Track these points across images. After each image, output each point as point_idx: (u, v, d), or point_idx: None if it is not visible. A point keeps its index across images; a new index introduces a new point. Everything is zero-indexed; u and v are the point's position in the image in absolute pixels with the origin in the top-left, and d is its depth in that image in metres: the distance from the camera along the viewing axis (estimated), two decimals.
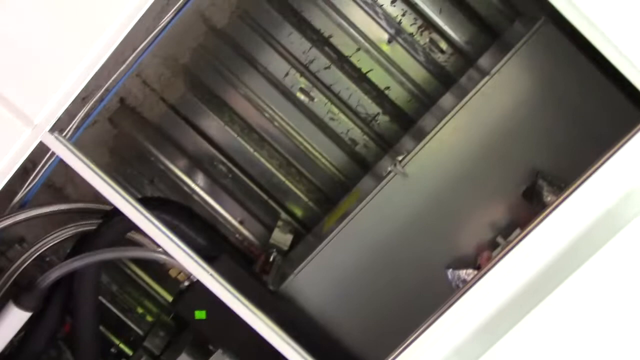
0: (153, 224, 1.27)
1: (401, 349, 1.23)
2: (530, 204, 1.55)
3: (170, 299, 2.21)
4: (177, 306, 1.69)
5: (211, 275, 1.29)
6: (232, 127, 2.14)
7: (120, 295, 2.27)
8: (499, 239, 1.54)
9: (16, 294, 1.60)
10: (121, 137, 2.15)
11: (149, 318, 2.28)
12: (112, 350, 2.21)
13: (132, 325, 2.24)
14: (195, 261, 1.29)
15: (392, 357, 1.23)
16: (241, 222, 2.18)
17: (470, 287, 1.23)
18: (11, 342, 1.77)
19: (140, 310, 2.29)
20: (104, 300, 2.20)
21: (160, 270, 2.23)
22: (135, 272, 2.25)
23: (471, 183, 1.63)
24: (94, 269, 1.65)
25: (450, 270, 1.57)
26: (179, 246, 1.28)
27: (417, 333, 1.23)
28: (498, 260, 1.22)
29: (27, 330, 1.74)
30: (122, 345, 2.21)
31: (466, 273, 1.54)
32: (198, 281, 1.59)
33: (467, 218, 1.63)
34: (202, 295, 1.59)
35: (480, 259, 1.55)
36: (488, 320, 1.22)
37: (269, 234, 2.05)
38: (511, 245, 1.22)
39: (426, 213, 1.64)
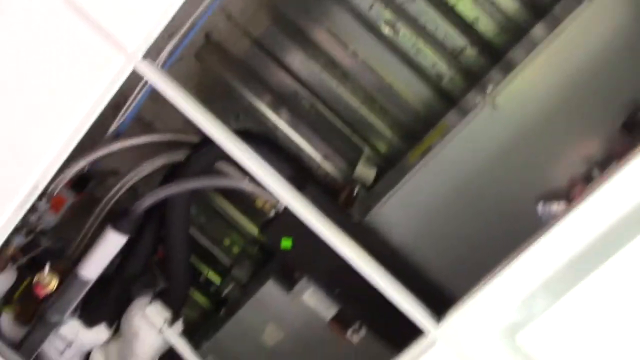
0: (243, 151, 1.29)
1: (488, 279, 1.22)
2: (630, 136, 1.47)
3: (256, 231, 2.28)
4: (263, 235, 1.73)
5: (300, 201, 1.30)
6: (316, 61, 2.12)
7: (208, 226, 2.35)
8: (594, 172, 1.48)
9: (113, 219, 1.68)
10: (206, 73, 2.18)
11: (235, 249, 2.35)
12: (201, 278, 2.30)
13: (220, 256, 2.32)
14: (284, 188, 1.30)
15: (478, 288, 1.22)
16: (325, 157, 2.18)
17: (562, 220, 1.20)
18: (110, 266, 1.88)
19: (227, 241, 2.37)
20: (193, 231, 2.27)
21: (246, 203, 2.29)
22: (222, 205, 2.31)
23: (565, 115, 1.56)
24: (185, 197, 1.71)
25: (541, 203, 1.53)
26: (268, 173, 1.30)
27: (504, 265, 1.21)
28: (592, 193, 1.18)
29: (123, 255, 1.83)
30: (210, 274, 2.30)
31: (558, 206, 1.49)
32: (284, 211, 1.63)
33: (559, 151, 1.57)
34: (288, 224, 1.63)
35: (573, 192, 1.49)
36: (578, 255, 1.19)
37: (352, 170, 2.05)
38: (608, 177, 1.17)
39: (516, 146, 1.59)
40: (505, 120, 1.57)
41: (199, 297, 2.27)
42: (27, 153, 1.25)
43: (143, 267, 1.89)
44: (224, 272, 2.26)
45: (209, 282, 2.31)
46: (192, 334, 1.99)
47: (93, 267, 1.70)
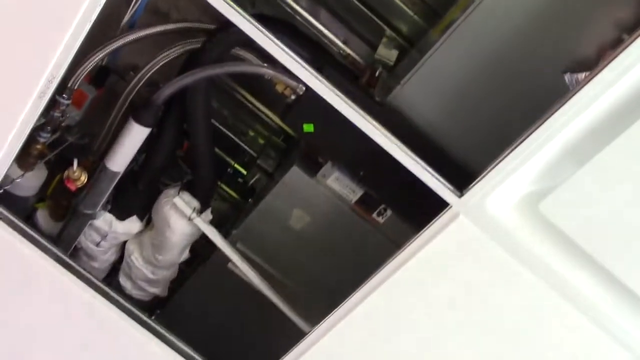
0: (263, 32, 1.25)
1: (510, 149, 1.20)
2: None
3: (279, 121, 2.27)
4: (285, 119, 1.72)
5: (320, 82, 1.28)
6: None
7: (231, 119, 2.35)
8: (624, 37, 1.41)
9: (135, 111, 1.68)
10: None
11: (260, 140, 2.36)
12: (229, 170, 2.32)
13: (245, 147, 2.34)
14: (305, 68, 1.27)
15: (500, 159, 1.20)
16: (345, 42, 2.12)
17: (586, 84, 1.16)
18: (135, 161, 1.90)
19: (251, 133, 2.37)
20: (217, 124, 2.28)
21: (267, 92, 2.27)
22: (244, 96, 2.30)
23: None
24: (204, 86, 1.70)
25: (569, 74, 1.48)
26: (287, 54, 1.26)
27: (526, 133, 1.19)
28: (618, 55, 1.13)
29: (149, 148, 1.85)
30: (237, 166, 2.32)
31: (585, 76, 1.44)
32: (304, 94, 1.62)
33: (587, 17, 1.49)
34: (310, 107, 1.61)
35: (602, 60, 1.43)
36: (603, 120, 1.15)
37: (374, 52, 2.00)
38: (636, 39, 1.11)
39: (540, 14, 1.51)
40: None
41: (227, 190, 2.31)
42: (38, 42, 1.24)
43: (169, 159, 1.92)
44: (249, 163, 2.29)
45: (236, 174, 2.34)
46: (222, 225, 2.04)
47: (119, 159, 1.72)
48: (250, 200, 2.14)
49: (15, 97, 1.31)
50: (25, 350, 1.68)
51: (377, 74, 1.83)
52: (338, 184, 1.74)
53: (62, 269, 1.53)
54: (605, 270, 1.20)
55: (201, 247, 2.17)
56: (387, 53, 1.93)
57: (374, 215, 1.76)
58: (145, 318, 1.58)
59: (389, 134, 1.28)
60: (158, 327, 1.58)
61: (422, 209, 1.34)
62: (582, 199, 1.17)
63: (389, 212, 1.75)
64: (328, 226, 1.80)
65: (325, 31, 2.13)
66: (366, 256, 1.55)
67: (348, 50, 2.09)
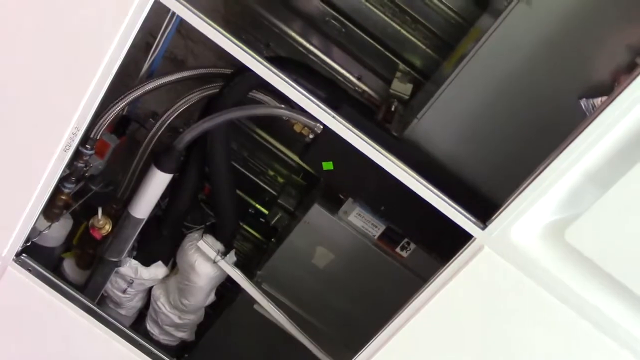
0: (278, 75, 1.28)
1: (532, 178, 1.19)
2: None
3: (297, 159, 2.29)
4: (304, 160, 1.73)
5: (337, 120, 1.29)
6: None
7: (251, 160, 2.37)
8: (639, 60, 1.42)
9: (156, 158, 1.71)
10: (233, 4, 2.15)
11: (280, 179, 2.38)
12: (250, 211, 2.34)
13: (266, 187, 2.35)
14: (321, 107, 1.29)
15: (522, 188, 1.20)
16: (359, 78, 2.15)
17: (604, 109, 1.16)
18: (159, 206, 1.93)
19: (271, 172, 2.39)
20: (236, 165, 2.30)
21: (286, 133, 2.30)
22: (262, 137, 2.33)
23: (605, 2, 1.48)
24: (224, 129, 1.73)
25: (584, 99, 1.48)
26: (303, 94, 1.28)
27: (547, 162, 1.19)
28: (635, 78, 1.13)
29: (171, 193, 1.88)
30: (258, 206, 2.34)
31: (602, 101, 1.44)
32: (323, 132, 1.63)
33: (600, 42, 1.50)
34: (328, 145, 1.63)
35: (617, 84, 1.43)
36: (623, 145, 1.15)
37: (388, 87, 2.02)
38: None
39: (553, 42, 1.52)
40: (540, 15, 1.50)
41: (249, 230, 2.32)
42: (61, 97, 1.27)
43: (191, 203, 1.94)
44: (270, 202, 2.30)
45: (257, 214, 2.36)
46: (246, 266, 2.05)
47: (143, 206, 1.75)
48: (272, 239, 2.14)
49: (40, 152, 1.34)
50: None
51: (393, 108, 1.85)
52: (360, 219, 1.75)
53: (90, 317, 1.54)
54: (637, 296, 1.19)
55: (226, 289, 2.19)
56: (401, 87, 1.95)
57: (398, 249, 1.75)
58: None
59: (408, 169, 1.29)
60: None
61: (446, 241, 1.34)
62: (607, 225, 1.16)
63: (412, 246, 1.75)
64: (352, 263, 1.80)
65: (339, 69, 2.16)
66: (392, 291, 1.55)
67: (363, 87, 2.12)
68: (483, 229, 1.22)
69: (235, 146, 2.33)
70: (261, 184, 2.37)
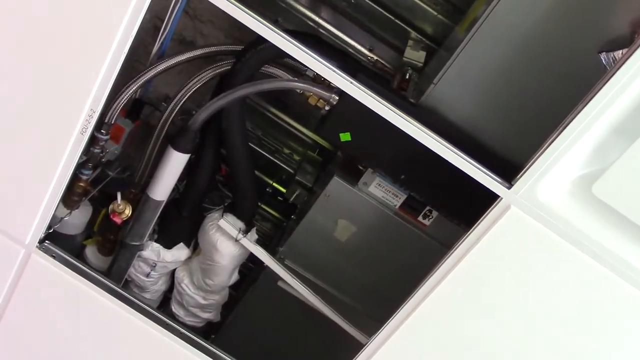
0: (294, 44, 1.25)
1: (555, 134, 1.17)
2: None
3: (313, 135, 2.27)
4: (321, 131, 1.71)
5: (356, 85, 1.27)
6: None
7: (265, 139, 2.35)
8: None
9: (172, 139, 1.70)
10: None
11: (296, 157, 2.36)
12: (268, 190, 2.33)
13: (282, 165, 2.34)
14: (339, 74, 1.26)
15: (546, 145, 1.18)
16: (371, 49, 2.12)
17: (626, 60, 1.13)
18: (177, 188, 1.92)
19: (287, 150, 2.38)
20: (252, 145, 2.29)
21: (300, 109, 2.28)
22: (276, 115, 2.31)
23: None
24: (238, 106, 1.71)
25: (604, 53, 1.44)
26: (321, 62, 1.26)
27: (570, 117, 1.16)
28: None
29: (188, 175, 1.87)
30: (275, 185, 2.33)
31: (623, 53, 1.40)
32: (338, 103, 1.61)
33: None
34: (345, 115, 1.61)
35: (638, 35, 1.40)
36: None
37: (401, 57, 1.99)
38: None
39: None
40: None
41: (268, 210, 2.31)
42: (75, 79, 1.26)
43: (209, 184, 1.93)
44: (288, 180, 2.29)
45: (275, 193, 2.34)
46: (267, 245, 2.04)
47: (161, 188, 1.74)
48: (292, 217, 2.13)
49: (57, 136, 1.34)
50: None
51: (407, 76, 1.83)
52: (380, 190, 1.73)
53: (118, 300, 1.54)
54: None
55: (249, 270, 2.18)
56: (415, 55, 1.92)
57: (420, 218, 1.74)
58: (201, 341, 1.58)
59: (430, 132, 1.27)
60: (214, 349, 1.58)
61: (469, 207, 1.32)
62: (635, 177, 1.14)
63: (435, 214, 1.73)
64: (374, 234, 1.78)
65: (350, 41, 2.13)
66: (416, 261, 1.53)
67: (375, 57, 2.09)
68: (509, 188, 1.20)
69: (249, 126, 2.31)
70: (277, 162, 2.36)
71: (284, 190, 2.29)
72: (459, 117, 1.60)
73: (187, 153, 1.68)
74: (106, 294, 1.56)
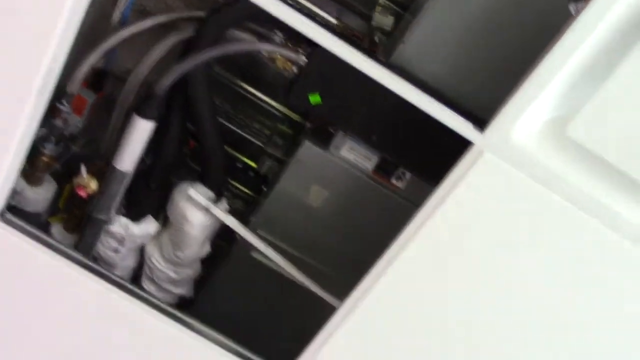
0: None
1: (525, 79, 1.15)
2: None
3: (282, 108, 2.24)
4: (290, 97, 1.68)
5: (330, 35, 1.23)
6: None
7: (234, 113, 2.31)
8: None
9: (137, 106, 1.65)
10: None
11: (266, 131, 2.32)
12: (238, 165, 2.28)
13: (252, 140, 2.29)
14: (311, 25, 1.23)
15: (523, 83, 1.16)
16: (338, 18, 2.09)
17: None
18: (144, 161, 1.87)
19: (257, 125, 2.33)
20: (221, 120, 2.24)
21: (268, 81, 2.23)
22: (244, 89, 2.27)
23: None
24: (204, 72, 1.67)
25: (573, 3, 1.43)
26: (296, 12, 1.22)
27: (537, 62, 1.15)
28: None
29: (155, 146, 1.82)
30: (245, 159, 2.28)
31: None
32: (307, 63, 1.58)
33: None
34: (314, 76, 1.58)
35: None
36: (618, 32, 1.11)
37: (369, 24, 1.96)
38: None
39: None
40: None
41: (239, 186, 2.27)
42: (32, 34, 1.21)
43: (177, 156, 1.88)
44: (258, 153, 2.24)
45: (246, 168, 2.30)
46: (239, 220, 2.00)
47: (127, 158, 1.69)
48: (263, 188, 2.10)
49: (13, 97, 1.28)
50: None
51: (376, 39, 1.80)
52: (352, 153, 1.70)
53: (84, 271, 1.50)
54: None
55: (220, 247, 2.14)
56: (383, 20, 1.90)
57: (393, 180, 1.72)
58: (177, 312, 1.55)
59: (405, 81, 1.24)
60: (187, 319, 1.55)
61: (441, 164, 1.30)
62: (610, 116, 1.13)
63: (408, 176, 1.71)
64: (348, 198, 1.76)
65: (317, 10, 2.10)
66: (391, 224, 1.51)
67: (343, 24, 2.06)
68: (482, 132, 1.19)
69: (217, 101, 2.27)
70: (247, 137, 2.31)
71: (254, 165, 2.25)
72: (431, 75, 1.58)
73: (153, 119, 1.64)
74: (77, 266, 1.51)
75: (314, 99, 1.61)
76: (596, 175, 1.17)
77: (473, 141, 1.20)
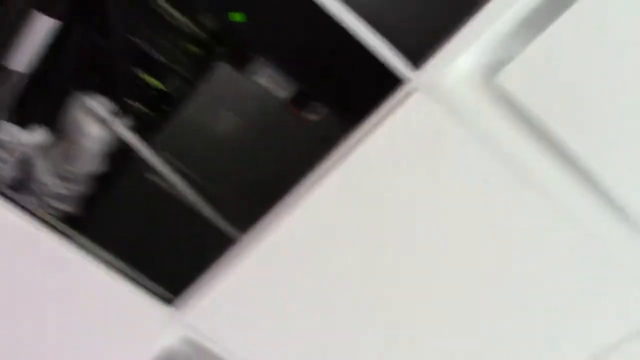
0: None
1: (464, 22, 1.12)
2: None
3: (195, 28, 2.10)
4: (206, 14, 1.56)
5: None
6: None
7: (143, 30, 2.15)
8: None
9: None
10: None
11: (178, 52, 2.18)
12: (140, 83, 2.13)
13: (160, 58, 2.15)
14: None
15: (454, 32, 1.13)
16: None
17: None
18: (40, 64, 1.70)
19: (166, 43, 2.19)
20: (126, 36, 2.08)
21: None
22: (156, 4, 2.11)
23: None
24: None
25: None
26: None
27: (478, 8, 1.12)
28: None
29: (55, 49, 1.65)
30: (151, 79, 2.14)
31: None
32: None
33: None
34: None
35: None
36: None
37: None
38: None
39: None
40: None
41: (143, 107, 2.13)
42: None
43: (78, 62, 1.72)
44: (165, 72, 2.11)
45: (151, 88, 2.16)
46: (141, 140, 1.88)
47: (20, 56, 1.52)
48: (167, 108, 1.97)
49: None
50: None
51: None
52: (269, 80, 1.63)
53: None
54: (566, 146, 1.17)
55: (114, 166, 2.01)
56: None
57: (309, 112, 1.66)
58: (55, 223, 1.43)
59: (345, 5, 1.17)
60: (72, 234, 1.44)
61: (361, 103, 1.26)
62: (541, 69, 1.12)
63: (325, 110, 1.66)
64: (259, 127, 1.69)
65: None
66: (302, 159, 1.46)
67: None
68: (415, 70, 1.15)
69: (121, 13, 2.10)
70: (154, 55, 2.16)
71: (161, 85, 2.11)
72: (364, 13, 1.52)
73: (53, 16, 1.47)
74: None
75: (236, 17, 1.50)
76: (524, 129, 1.17)
77: (405, 77, 1.15)
